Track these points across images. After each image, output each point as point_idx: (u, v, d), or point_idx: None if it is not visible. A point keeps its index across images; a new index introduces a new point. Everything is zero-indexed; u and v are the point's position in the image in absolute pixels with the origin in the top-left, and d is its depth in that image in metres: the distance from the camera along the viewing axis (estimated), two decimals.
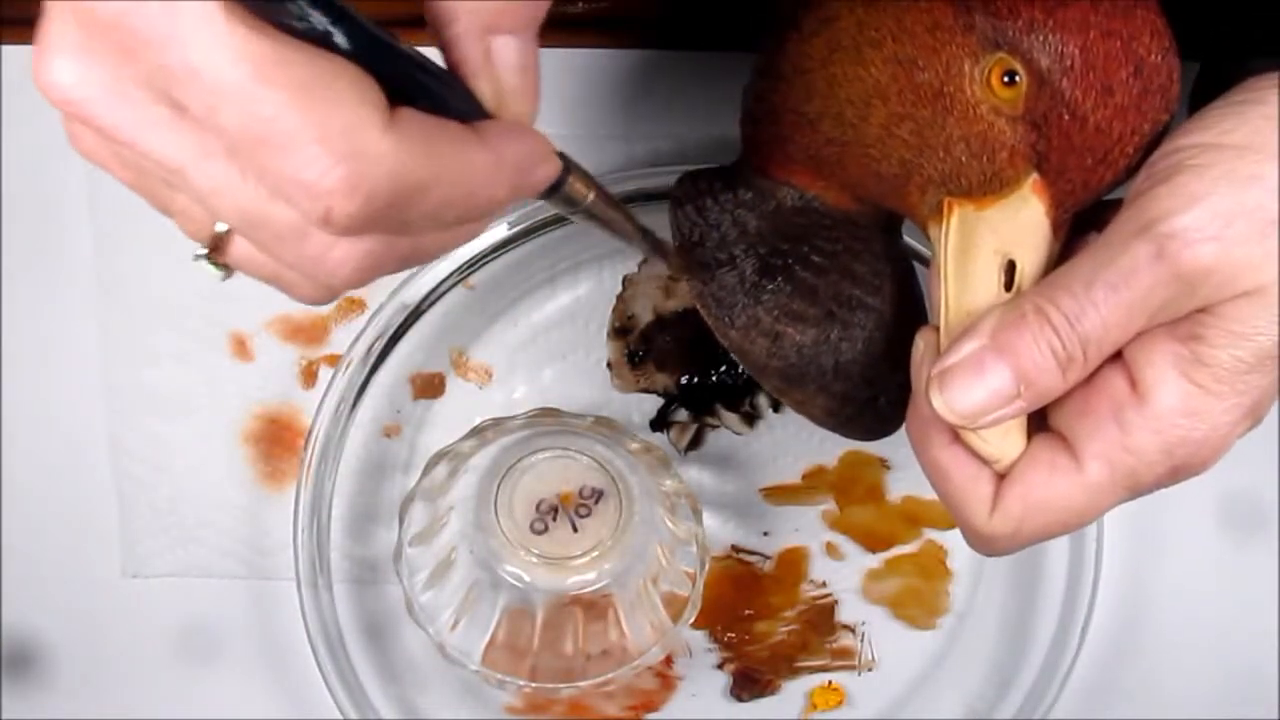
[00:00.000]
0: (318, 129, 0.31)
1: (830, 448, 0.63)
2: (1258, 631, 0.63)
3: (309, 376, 0.63)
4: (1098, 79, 0.41)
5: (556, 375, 0.62)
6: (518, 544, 0.55)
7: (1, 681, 0.63)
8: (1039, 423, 0.43)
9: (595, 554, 0.55)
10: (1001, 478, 0.43)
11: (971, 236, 0.43)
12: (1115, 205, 0.42)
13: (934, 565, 0.63)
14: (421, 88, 0.33)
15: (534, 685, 0.57)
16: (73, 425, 0.62)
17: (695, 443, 0.62)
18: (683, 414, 0.62)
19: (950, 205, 0.43)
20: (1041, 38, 0.41)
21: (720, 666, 0.63)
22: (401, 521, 0.58)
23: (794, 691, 0.63)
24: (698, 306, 0.49)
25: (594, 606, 0.57)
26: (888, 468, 0.63)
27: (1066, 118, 0.42)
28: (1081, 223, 0.44)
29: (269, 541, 0.63)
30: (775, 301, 0.48)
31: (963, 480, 0.43)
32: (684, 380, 0.62)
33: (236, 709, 0.63)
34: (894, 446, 0.62)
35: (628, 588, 0.57)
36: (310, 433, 0.60)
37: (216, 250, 0.37)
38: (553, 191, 0.39)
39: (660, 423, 0.62)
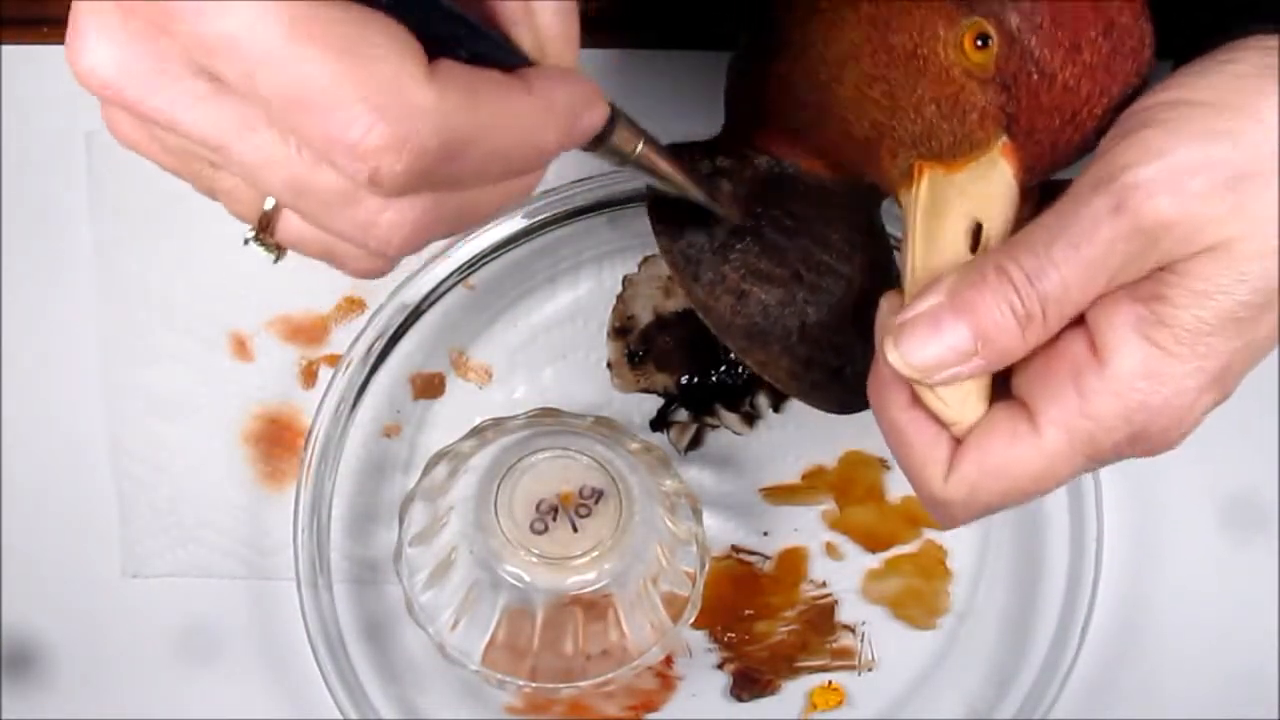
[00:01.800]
0: (358, 86, 0.31)
1: (830, 448, 0.63)
2: (1258, 632, 0.63)
3: (309, 376, 0.63)
4: (1066, 36, 0.42)
5: (556, 375, 0.62)
6: (518, 544, 0.55)
7: (1, 681, 0.63)
8: (1003, 392, 0.42)
9: (595, 554, 0.55)
10: (960, 443, 0.42)
11: (941, 199, 0.43)
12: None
13: (934, 565, 0.63)
14: (459, 39, 0.33)
15: (534, 685, 0.57)
16: (73, 425, 0.62)
17: (695, 443, 0.62)
18: (683, 414, 0.62)
19: (921, 168, 0.44)
20: None
21: (720, 666, 0.63)
22: (401, 521, 0.58)
23: (794, 691, 0.63)
24: (666, 263, 0.49)
25: (594, 606, 0.57)
26: (888, 468, 0.63)
27: (1035, 76, 0.42)
28: (1056, 192, 0.44)
29: (269, 541, 0.63)
30: (742, 260, 0.48)
31: (920, 443, 0.42)
32: (684, 380, 0.62)
33: (236, 709, 0.63)
34: None
35: (628, 588, 0.57)
36: (310, 433, 0.60)
37: (266, 230, 0.36)
38: (599, 142, 0.38)
39: (660, 423, 0.62)
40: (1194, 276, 0.39)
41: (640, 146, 0.40)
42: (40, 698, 0.63)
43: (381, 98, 0.31)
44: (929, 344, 0.40)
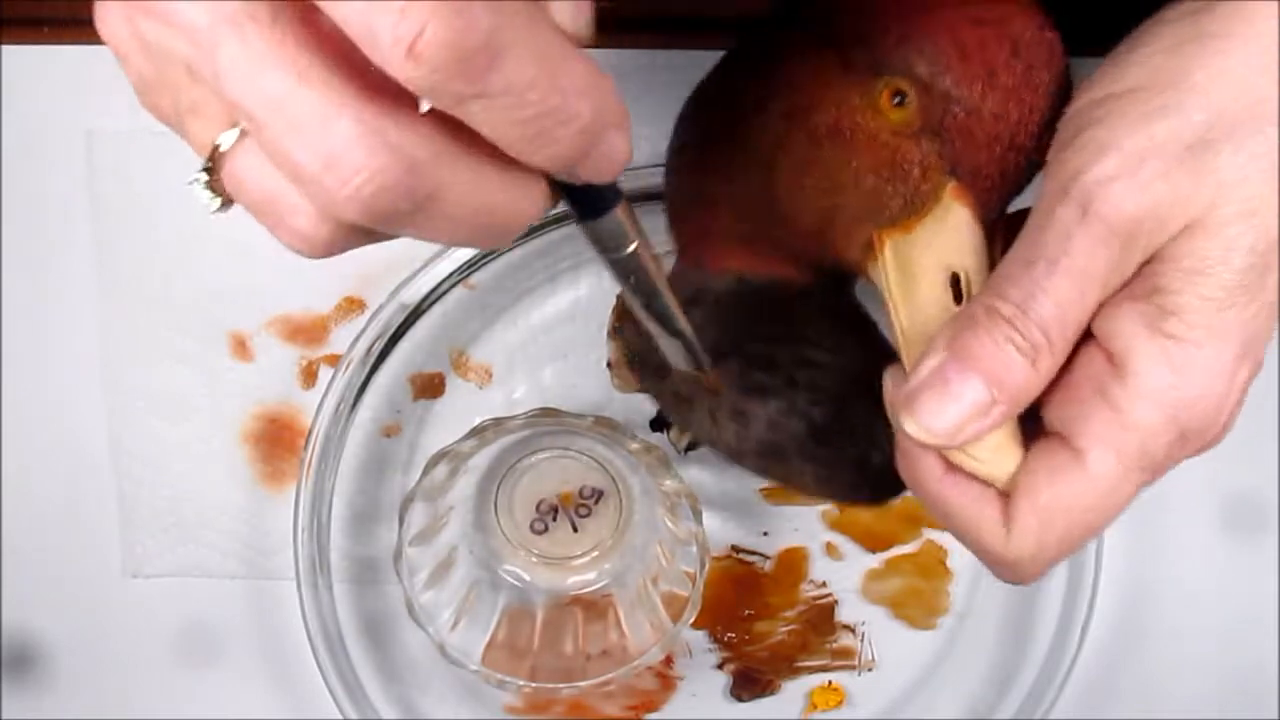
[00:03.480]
0: None
1: None
2: (1258, 632, 0.63)
3: (309, 376, 0.63)
4: (978, 68, 0.42)
5: (556, 375, 0.62)
6: (518, 544, 0.55)
7: (1, 681, 0.63)
8: (1037, 431, 0.41)
9: (595, 554, 0.55)
10: (1007, 496, 0.40)
11: (908, 261, 0.43)
12: None
13: (934, 565, 0.63)
14: None
15: (534, 685, 0.57)
16: (73, 425, 0.62)
17: (695, 443, 0.62)
18: None
19: (880, 237, 0.43)
20: (915, 48, 0.42)
21: (720, 666, 0.63)
22: (401, 521, 0.58)
23: (794, 691, 0.63)
24: (659, 405, 0.48)
25: (594, 606, 0.57)
26: None
27: (961, 114, 0.42)
28: (1020, 222, 0.43)
29: (269, 541, 0.63)
30: (732, 381, 0.47)
31: (967, 508, 0.41)
32: None
33: (236, 709, 0.63)
34: None
35: (628, 588, 0.57)
36: (310, 433, 0.60)
37: (214, 169, 0.34)
38: (599, 213, 0.37)
39: (660, 423, 0.62)
40: (1182, 258, 0.38)
41: (636, 245, 0.38)
42: (40, 698, 0.63)
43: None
44: (945, 407, 0.39)
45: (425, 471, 0.58)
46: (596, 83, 0.33)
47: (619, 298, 0.62)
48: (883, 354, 0.46)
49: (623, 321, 0.50)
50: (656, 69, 0.61)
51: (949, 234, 0.42)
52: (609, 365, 0.62)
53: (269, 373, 0.63)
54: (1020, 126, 0.42)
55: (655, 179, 0.59)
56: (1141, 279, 0.39)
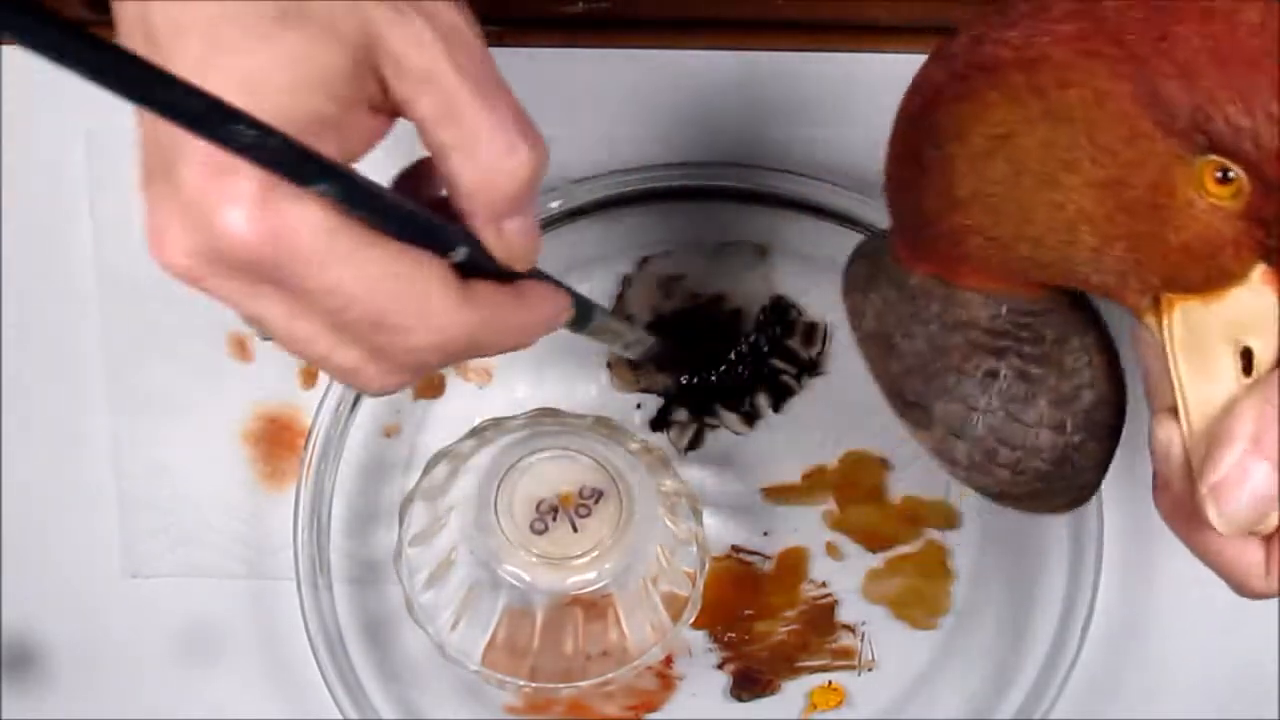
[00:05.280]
0: (415, 304, 0.39)
1: (831, 448, 0.63)
2: (1258, 632, 0.63)
3: (309, 376, 0.63)
4: None
5: (556, 375, 0.62)
6: (518, 544, 0.55)
7: (1, 681, 0.63)
8: None
9: (595, 554, 0.55)
10: (1268, 538, 0.42)
11: (1198, 329, 0.41)
12: None
13: (934, 565, 0.63)
14: (466, 251, 0.40)
15: (534, 685, 0.57)
16: (73, 425, 0.62)
17: (695, 443, 0.62)
18: (683, 414, 0.62)
19: (1170, 301, 0.41)
20: (1257, 131, 0.37)
21: (720, 666, 0.63)
22: (401, 521, 0.58)
23: (794, 691, 0.63)
24: (936, 459, 0.47)
25: (594, 606, 0.57)
26: (888, 468, 0.63)
27: None
28: None
29: (269, 541, 0.63)
30: (1007, 430, 0.46)
31: (1233, 553, 0.43)
32: (684, 380, 0.62)
33: (236, 709, 0.63)
34: (894, 446, 0.62)
35: (628, 588, 0.57)
36: (310, 433, 0.60)
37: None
38: (573, 328, 0.49)
39: (660, 423, 0.62)
40: None
41: (597, 319, 0.50)
42: (40, 698, 0.63)
43: (433, 317, 0.39)
44: (1245, 499, 0.40)
45: (425, 471, 0.58)
46: (539, 314, 0.44)
47: (619, 298, 0.62)
48: (1118, 369, 0.47)
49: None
50: (656, 69, 0.61)
51: (1248, 312, 0.40)
52: (609, 365, 0.62)
53: (269, 373, 0.63)
54: None
55: (654, 180, 0.59)
56: None
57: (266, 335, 0.53)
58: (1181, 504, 0.43)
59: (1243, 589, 0.43)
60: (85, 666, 0.63)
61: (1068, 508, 0.49)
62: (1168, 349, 0.42)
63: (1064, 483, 0.47)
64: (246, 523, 0.63)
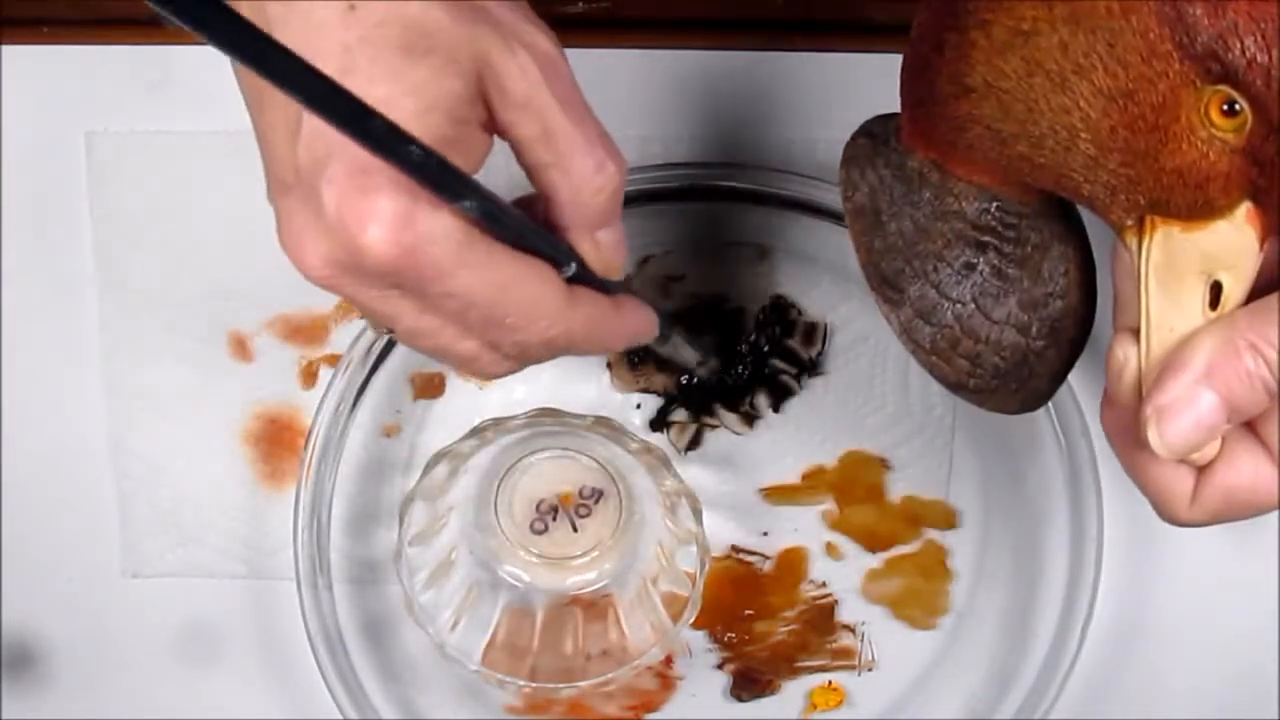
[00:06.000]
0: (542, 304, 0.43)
1: (830, 448, 0.63)
2: (1258, 631, 0.63)
3: (309, 376, 0.63)
4: None
5: (556, 375, 0.62)
6: (518, 544, 0.55)
7: (1, 681, 0.63)
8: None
9: (595, 554, 0.55)
10: (1201, 470, 0.43)
11: (1175, 255, 0.42)
12: None
13: (934, 565, 0.63)
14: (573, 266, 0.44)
15: (534, 685, 0.57)
16: (73, 425, 0.62)
17: (695, 443, 0.62)
18: (683, 414, 0.62)
19: (1154, 222, 0.42)
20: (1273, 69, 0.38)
21: (720, 666, 0.63)
22: (401, 521, 0.58)
23: (794, 691, 0.63)
24: (900, 338, 0.48)
25: (594, 606, 0.57)
26: (888, 468, 0.63)
27: None
28: None
29: (269, 541, 0.63)
30: (973, 323, 0.47)
31: (1164, 478, 0.44)
32: (684, 380, 0.62)
33: (236, 709, 0.63)
34: (894, 446, 0.62)
35: (628, 588, 0.57)
36: (310, 433, 0.60)
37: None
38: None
39: (660, 423, 0.62)
40: None
41: (675, 338, 0.54)
42: (40, 698, 0.63)
43: (542, 318, 0.43)
44: (1186, 426, 0.42)
45: (425, 471, 0.58)
46: (630, 325, 0.48)
47: None
48: (1092, 285, 0.47)
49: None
50: (656, 69, 0.61)
51: (1226, 247, 0.41)
52: (609, 365, 0.62)
53: (269, 373, 0.63)
54: None
55: (655, 180, 0.59)
56: None
57: (382, 330, 0.56)
58: (1125, 423, 0.44)
59: (1167, 515, 0.45)
60: (85, 666, 0.63)
61: (1017, 410, 0.49)
62: (1141, 269, 0.42)
63: (1018, 384, 0.48)
64: (246, 523, 0.63)
